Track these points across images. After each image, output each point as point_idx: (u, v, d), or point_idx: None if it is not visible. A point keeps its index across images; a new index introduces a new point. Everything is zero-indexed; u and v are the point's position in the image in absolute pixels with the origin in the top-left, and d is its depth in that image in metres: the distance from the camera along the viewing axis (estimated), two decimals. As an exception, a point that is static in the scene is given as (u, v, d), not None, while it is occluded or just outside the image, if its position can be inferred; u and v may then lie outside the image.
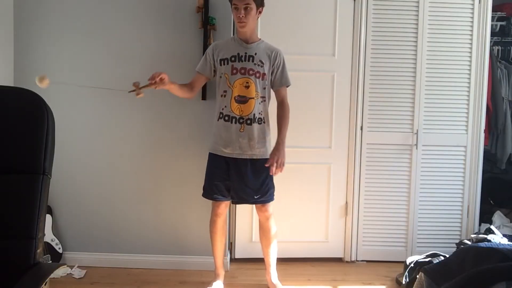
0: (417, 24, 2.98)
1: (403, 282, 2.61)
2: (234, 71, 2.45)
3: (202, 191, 2.56)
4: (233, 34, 2.74)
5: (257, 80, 2.46)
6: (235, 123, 2.45)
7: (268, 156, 2.46)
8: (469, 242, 2.66)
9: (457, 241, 2.91)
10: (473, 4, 3.00)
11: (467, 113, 3.06)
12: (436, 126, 3.06)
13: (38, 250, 1.45)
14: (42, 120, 1.47)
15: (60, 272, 2.73)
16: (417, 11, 2.97)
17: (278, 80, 2.54)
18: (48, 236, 2.80)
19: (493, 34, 3.24)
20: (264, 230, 2.59)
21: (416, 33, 2.98)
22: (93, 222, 2.92)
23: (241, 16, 2.39)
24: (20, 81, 2.80)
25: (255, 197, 2.49)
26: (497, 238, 2.61)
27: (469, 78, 3.04)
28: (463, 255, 2.01)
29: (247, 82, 2.45)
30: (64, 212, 2.91)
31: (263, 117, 2.50)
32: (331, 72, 3.00)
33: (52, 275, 1.44)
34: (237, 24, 2.45)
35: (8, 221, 1.45)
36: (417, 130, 3.03)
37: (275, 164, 2.39)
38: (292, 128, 2.60)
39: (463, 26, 3.01)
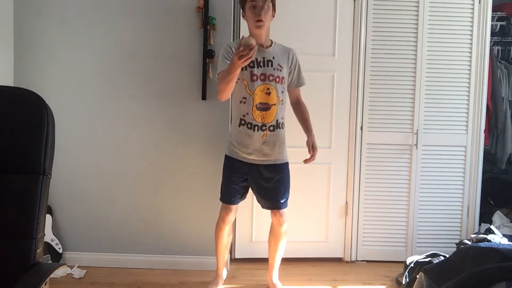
0: (417, 24, 2.98)
1: (403, 282, 2.61)
2: (254, 78, 2.34)
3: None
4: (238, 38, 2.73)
5: (277, 85, 2.38)
6: (258, 130, 2.37)
7: (286, 159, 2.51)
8: (469, 242, 2.66)
9: (457, 241, 2.91)
10: (473, 4, 3.00)
11: (467, 113, 3.06)
12: (436, 126, 3.06)
13: (38, 250, 1.45)
14: (42, 120, 1.47)
15: (60, 272, 2.73)
16: (417, 11, 2.97)
17: (295, 80, 2.50)
18: (48, 236, 2.80)
19: (493, 34, 3.24)
20: (275, 235, 2.56)
21: (416, 33, 2.98)
22: (93, 222, 2.92)
23: (261, 14, 2.28)
24: (20, 81, 2.80)
25: (281, 201, 2.47)
26: (497, 238, 2.61)
27: (469, 78, 3.04)
28: (463, 255, 2.01)
29: (268, 89, 2.36)
30: (64, 212, 2.91)
31: (283, 122, 2.47)
32: (331, 72, 3.00)
33: (52, 275, 1.44)
34: (253, 25, 2.32)
35: (8, 221, 1.45)
36: (417, 130, 3.03)
37: (314, 154, 2.52)
38: (292, 128, 2.62)
39: (463, 26, 3.01)
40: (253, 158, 2.42)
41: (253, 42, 2.06)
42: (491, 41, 3.17)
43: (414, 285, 2.21)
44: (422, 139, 3.05)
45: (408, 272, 2.62)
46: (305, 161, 2.52)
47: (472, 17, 3.00)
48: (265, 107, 2.37)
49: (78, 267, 2.84)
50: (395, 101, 3.03)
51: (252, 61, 2.31)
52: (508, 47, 3.47)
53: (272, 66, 2.38)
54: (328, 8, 2.96)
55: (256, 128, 2.38)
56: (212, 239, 2.58)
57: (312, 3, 2.95)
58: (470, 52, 3.02)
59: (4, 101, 1.50)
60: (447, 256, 2.33)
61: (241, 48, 2.05)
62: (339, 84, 3.01)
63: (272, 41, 2.45)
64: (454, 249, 2.55)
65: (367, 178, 3.07)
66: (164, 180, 2.91)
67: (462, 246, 2.55)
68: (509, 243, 2.53)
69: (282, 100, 2.43)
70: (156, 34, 2.83)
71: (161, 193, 2.92)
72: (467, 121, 3.07)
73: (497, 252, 1.85)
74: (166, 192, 2.92)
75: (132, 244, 2.92)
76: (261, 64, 2.37)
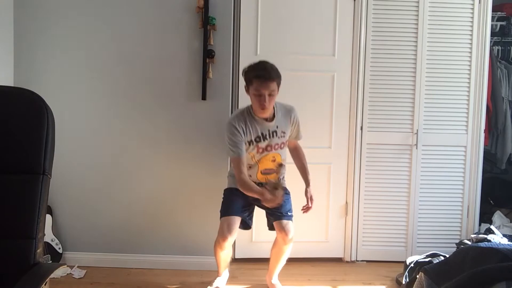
0: (417, 24, 2.98)
1: (403, 282, 2.61)
2: (260, 150, 2.41)
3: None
4: (240, 106, 2.63)
5: (281, 150, 2.46)
6: (261, 187, 2.42)
7: (285, 186, 2.54)
8: (469, 242, 2.66)
9: (457, 241, 2.91)
10: (473, 4, 2.99)
11: (467, 113, 3.06)
12: (436, 126, 3.05)
13: (38, 250, 1.45)
14: (42, 120, 1.47)
15: (60, 272, 2.73)
16: (417, 11, 2.97)
17: (293, 135, 2.55)
18: (48, 236, 2.80)
19: (493, 34, 3.24)
20: (278, 249, 2.51)
21: (416, 33, 2.98)
22: (93, 222, 2.92)
23: (265, 104, 2.27)
24: (20, 81, 2.80)
25: (289, 213, 2.47)
26: (497, 238, 2.61)
27: (469, 78, 3.04)
28: (463, 255, 2.01)
29: (274, 157, 2.44)
30: (64, 212, 2.91)
31: (284, 172, 2.54)
32: (331, 72, 3.00)
33: (52, 275, 1.44)
34: (257, 109, 2.33)
35: (8, 221, 1.45)
36: (417, 130, 3.03)
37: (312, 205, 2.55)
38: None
39: (463, 26, 3.01)
40: None
41: (280, 191, 2.24)
42: (491, 41, 3.17)
43: (414, 285, 2.21)
44: (422, 139, 3.05)
45: (408, 272, 2.62)
46: (303, 210, 2.55)
47: (472, 17, 3.00)
48: (269, 171, 2.46)
49: (78, 267, 2.85)
50: (395, 101, 3.03)
51: (258, 136, 2.37)
52: (508, 47, 3.47)
53: (276, 135, 2.42)
54: (328, 8, 2.95)
55: (259, 185, 2.43)
56: (212, 238, 2.57)
57: (312, 3, 2.95)
58: (470, 52, 3.02)
59: (4, 101, 1.50)
60: (447, 256, 2.33)
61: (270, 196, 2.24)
62: (339, 84, 3.01)
63: (274, 107, 2.41)
64: (454, 249, 2.55)
65: (367, 178, 3.07)
66: (164, 179, 2.91)
67: (462, 246, 2.56)
68: (509, 243, 2.53)
69: (284, 159, 2.50)
70: (156, 34, 2.83)
71: (161, 192, 2.92)
72: (467, 121, 3.07)
73: (497, 252, 1.85)
74: (166, 191, 2.92)
75: (132, 244, 2.92)
76: (267, 137, 2.40)
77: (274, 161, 2.46)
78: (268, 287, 2.66)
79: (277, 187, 2.31)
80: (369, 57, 3.00)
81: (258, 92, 2.26)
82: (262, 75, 2.26)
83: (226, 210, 2.44)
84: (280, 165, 2.49)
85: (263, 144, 2.40)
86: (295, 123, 2.51)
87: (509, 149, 3.42)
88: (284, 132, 2.44)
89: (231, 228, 2.37)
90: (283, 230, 2.42)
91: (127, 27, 2.83)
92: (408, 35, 2.99)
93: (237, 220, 2.41)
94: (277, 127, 2.41)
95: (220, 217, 2.44)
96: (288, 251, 2.52)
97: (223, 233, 2.37)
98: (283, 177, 2.57)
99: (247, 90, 2.36)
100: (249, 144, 2.37)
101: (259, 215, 2.78)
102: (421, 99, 3.02)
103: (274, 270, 2.61)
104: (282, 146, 2.47)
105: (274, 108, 2.41)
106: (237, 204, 2.44)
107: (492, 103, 3.32)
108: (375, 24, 2.98)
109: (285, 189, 2.55)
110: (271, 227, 2.52)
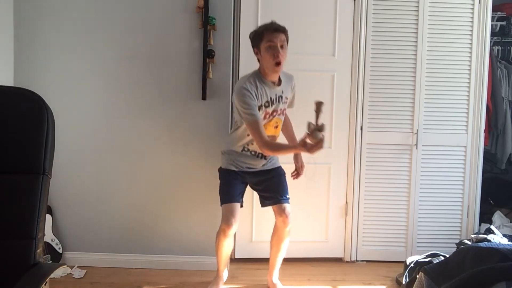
0: (417, 24, 2.98)
1: (403, 282, 2.61)
2: (267, 116, 2.39)
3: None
4: (249, 73, 2.47)
5: (282, 116, 2.48)
6: (261, 158, 2.46)
7: (280, 164, 2.58)
8: (469, 242, 2.66)
9: (457, 241, 2.91)
10: (473, 4, 2.99)
11: (467, 113, 3.06)
12: (436, 126, 3.05)
13: (38, 250, 1.45)
14: (42, 120, 1.47)
15: (60, 272, 2.74)
16: (417, 11, 2.97)
17: (289, 103, 2.56)
18: (48, 236, 2.80)
19: (493, 34, 3.24)
20: (279, 236, 2.53)
21: (416, 33, 2.98)
22: (93, 222, 2.92)
23: (279, 55, 2.26)
24: (20, 81, 2.80)
25: (285, 194, 2.49)
26: (497, 238, 2.61)
27: (469, 78, 3.04)
28: (463, 255, 2.01)
29: (277, 122, 2.45)
30: (64, 212, 2.91)
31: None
32: (331, 72, 3.00)
33: (52, 275, 1.44)
34: (271, 67, 2.30)
35: (8, 221, 1.45)
36: (417, 130, 3.03)
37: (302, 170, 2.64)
38: (293, 128, 2.62)
39: (463, 26, 3.01)
40: (254, 168, 2.49)
41: (320, 136, 2.05)
42: (491, 41, 3.17)
43: (414, 285, 2.21)
44: (422, 139, 3.05)
45: (408, 272, 2.62)
46: (293, 176, 2.62)
47: (472, 17, 3.00)
48: (271, 139, 2.42)
49: (78, 267, 2.85)
50: (395, 101, 3.03)
51: (267, 101, 2.36)
52: (508, 47, 3.48)
53: (282, 100, 2.43)
54: (328, 8, 2.95)
55: (260, 155, 2.45)
56: (212, 238, 2.57)
57: (312, 3, 2.95)
58: (470, 52, 3.02)
59: (4, 101, 1.50)
60: (447, 256, 2.33)
61: (313, 144, 2.06)
62: (339, 84, 3.01)
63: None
64: (454, 249, 2.55)
65: (367, 178, 3.07)
66: (164, 179, 2.91)
67: (462, 246, 2.56)
68: (509, 243, 2.53)
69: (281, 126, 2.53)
70: (156, 34, 2.83)
71: (161, 192, 2.92)
72: (467, 121, 3.07)
73: (497, 252, 1.85)
74: (166, 191, 2.92)
75: (132, 244, 2.92)
76: (274, 101, 2.40)
77: (276, 127, 2.46)
78: (269, 287, 2.66)
79: (321, 129, 2.06)
80: (369, 57, 3.00)
81: (272, 42, 2.27)
82: (271, 26, 2.32)
83: (228, 197, 2.44)
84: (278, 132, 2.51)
85: (270, 109, 2.39)
86: (294, 90, 2.56)
87: (509, 149, 3.42)
88: (287, 98, 2.48)
89: (235, 215, 2.40)
90: (284, 213, 2.45)
91: (127, 27, 2.83)
92: (408, 35, 2.99)
93: (238, 206, 2.45)
94: (282, 92, 2.43)
95: (221, 204, 2.45)
96: (288, 238, 2.53)
97: (228, 220, 2.38)
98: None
99: (257, 52, 2.35)
100: (259, 109, 2.34)
101: (259, 215, 2.79)
102: (421, 99, 3.02)
103: (275, 263, 2.61)
104: (284, 112, 2.48)
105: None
106: (236, 188, 2.46)
107: (492, 103, 3.32)
108: (375, 24, 2.98)
109: (281, 169, 2.57)
110: (264, 205, 2.55)
